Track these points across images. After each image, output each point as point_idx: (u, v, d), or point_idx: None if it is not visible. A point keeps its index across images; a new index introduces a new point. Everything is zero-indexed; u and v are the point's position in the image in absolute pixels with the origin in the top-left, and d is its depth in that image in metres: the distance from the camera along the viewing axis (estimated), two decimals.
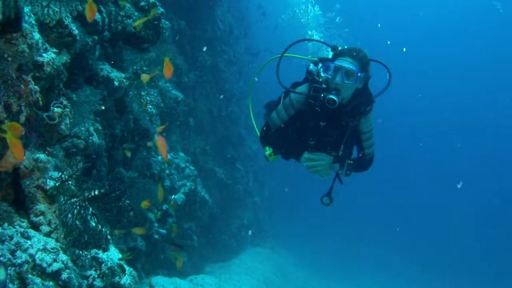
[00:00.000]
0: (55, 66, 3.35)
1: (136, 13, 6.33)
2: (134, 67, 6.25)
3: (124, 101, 6.42)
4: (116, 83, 5.60)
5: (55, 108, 3.40)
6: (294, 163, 5.28)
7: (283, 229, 26.37)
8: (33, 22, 3.04)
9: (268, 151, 5.17)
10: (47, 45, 3.37)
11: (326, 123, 4.72)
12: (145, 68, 5.96)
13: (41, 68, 3.27)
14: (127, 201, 3.36)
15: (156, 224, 9.25)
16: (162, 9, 6.80)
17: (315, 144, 4.85)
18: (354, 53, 4.43)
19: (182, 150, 13.11)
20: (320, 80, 4.63)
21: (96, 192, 3.12)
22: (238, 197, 18.59)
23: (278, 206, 27.47)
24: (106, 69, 5.56)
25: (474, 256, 32.75)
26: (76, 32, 3.61)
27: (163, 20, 6.76)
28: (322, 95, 4.46)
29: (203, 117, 16.29)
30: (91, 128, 5.10)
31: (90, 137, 5.03)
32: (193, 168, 12.18)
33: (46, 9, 3.20)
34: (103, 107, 5.28)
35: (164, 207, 9.75)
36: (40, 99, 3.24)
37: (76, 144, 4.80)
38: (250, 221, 20.06)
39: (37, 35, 3.05)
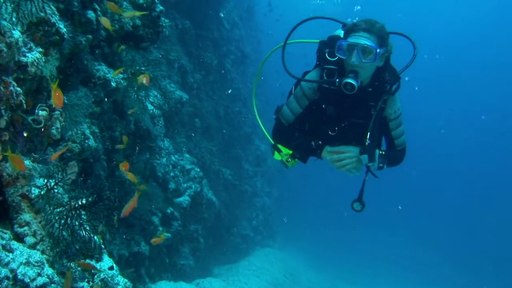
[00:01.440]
0: (40, 67, 3.15)
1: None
2: (135, 68, 6.01)
3: (124, 103, 6.22)
4: (113, 84, 5.39)
5: (40, 111, 3.19)
6: (315, 160, 4.84)
7: (292, 229, 26.17)
8: (14, 20, 2.85)
9: (284, 157, 4.47)
10: (31, 44, 3.17)
11: (345, 111, 4.12)
12: (143, 68, 5.75)
13: (25, 69, 3.06)
14: (116, 213, 3.14)
15: (160, 228, 9.06)
16: (161, 7, 6.58)
17: (336, 136, 4.25)
18: (370, 26, 3.81)
19: (187, 151, 12.92)
20: (333, 61, 4.02)
21: (84, 201, 2.91)
22: (246, 197, 18.41)
23: (287, 205, 27.22)
24: (103, 70, 5.35)
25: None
26: (64, 30, 3.41)
27: (162, 18, 6.55)
28: (338, 79, 3.88)
29: (209, 117, 16.09)
30: (87, 131, 4.91)
31: (86, 141, 4.84)
32: (198, 169, 11.98)
33: (28, 5, 2.99)
34: (96, 109, 5.09)
35: (169, 210, 9.55)
36: (24, 101, 3.04)
37: (71, 148, 4.61)
38: (259, 221, 19.91)
39: (17, 33, 2.85)
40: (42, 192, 3.01)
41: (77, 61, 4.79)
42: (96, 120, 5.26)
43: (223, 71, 17.28)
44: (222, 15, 17.13)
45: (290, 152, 4.50)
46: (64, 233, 2.90)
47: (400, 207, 34.99)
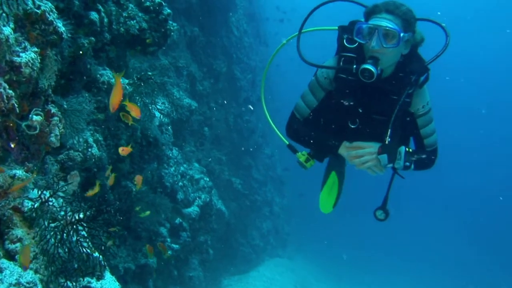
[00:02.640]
0: (35, 68, 2.89)
1: (140, 14, 5.88)
2: (141, 73, 5.75)
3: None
4: None
5: (35, 116, 2.92)
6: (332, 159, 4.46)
7: (302, 238, 25.90)
8: (5, 15, 2.59)
9: (302, 157, 4.02)
10: (26, 43, 2.91)
11: (365, 105, 3.68)
12: (149, 73, 5.49)
13: (19, 70, 2.80)
14: (117, 227, 2.86)
15: (169, 239, 8.78)
16: (168, 10, 6.31)
17: (354, 133, 3.79)
18: (394, 8, 3.39)
19: (197, 160, 12.66)
20: (353, 48, 3.59)
21: (81, 215, 2.63)
22: (256, 207, 18.18)
23: (297, 214, 26.92)
24: (107, 75, 5.09)
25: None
26: (62, 29, 3.15)
27: (170, 22, 6.28)
28: (355, 66, 3.45)
29: (219, 126, 15.87)
30: (90, 139, 4.65)
31: (89, 149, 4.57)
32: (208, 179, 11.71)
33: (21, 0, 2.74)
34: (100, 116, 4.83)
35: (177, 220, 9.27)
36: (17, 106, 2.78)
37: (72, 157, 4.35)
38: (269, 231, 19.68)
39: (8, 30, 2.59)
40: (35, 205, 2.74)
41: (80, 65, 4.54)
42: (100, 127, 5.00)
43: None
44: (232, 20, 16.94)
45: (308, 150, 4.11)
46: (61, 250, 2.62)
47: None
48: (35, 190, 2.89)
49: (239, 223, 15.82)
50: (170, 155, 9.51)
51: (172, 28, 6.22)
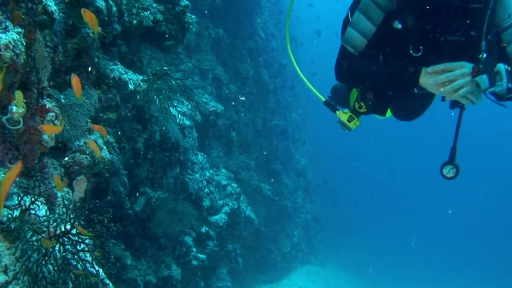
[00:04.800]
0: (18, 51, 2.43)
1: (154, 5, 5.43)
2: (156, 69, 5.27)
3: (148, 109, 5.51)
4: (131, 87, 4.67)
5: (14, 107, 2.46)
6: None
7: (334, 246, 25.35)
8: None
9: (343, 115, 3.28)
10: (8, 23, 2.46)
11: (439, 24, 2.84)
12: (165, 68, 5.02)
13: None
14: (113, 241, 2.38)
15: (194, 249, 8.31)
16: (186, 1, 5.83)
17: (430, 61, 2.84)
18: None
19: (224, 166, 12.21)
20: None
21: (68, 226, 2.15)
22: (286, 213, 17.72)
23: (328, 224, 26.37)
24: (118, 70, 4.63)
25: None
26: (53, 8, 2.70)
27: (188, 14, 5.81)
28: None
29: (247, 131, 15.41)
30: (100, 141, 4.19)
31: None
32: (235, 185, 11.22)
33: None
34: (111, 115, 4.38)
35: (204, 229, 8.79)
36: None
37: (79, 160, 3.89)
38: (300, 238, 19.21)
39: None
40: (14, 214, 2.27)
41: (86, 59, 4.09)
42: (111, 128, 4.56)
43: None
44: (258, 21, 16.48)
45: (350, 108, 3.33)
46: (46, 268, 2.14)
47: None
48: (14, 197, 2.42)
49: (270, 230, 15.36)
50: (195, 160, 9.05)
51: (190, 21, 5.75)
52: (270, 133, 17.42)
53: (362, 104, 3.33)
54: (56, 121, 3.06)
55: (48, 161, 3.56)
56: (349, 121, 3.32)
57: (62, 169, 3.87)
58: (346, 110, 3.38)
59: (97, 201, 4.22)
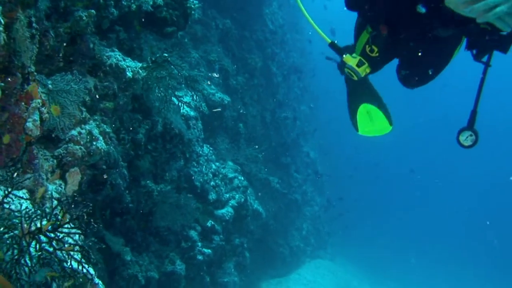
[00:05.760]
0: None
1: None
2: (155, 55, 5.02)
3: (148, 99, 5.28)
4: (129, 74, 4.44)
5: None
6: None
7: (343, 239, 25.16)
8: None
9: (351, 60, 2.96)
10: None
11: None
12: (165, 55, 4.78)
13: None
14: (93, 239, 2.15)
15: (199, 243, 8.10)
16: None
17: None
18: None
19: (231, 159, 11.98)
20: None
21: (44, 222, 1.94)
22: (295, 207, 17.52)
23: (337, 213, 26.19)
24: (115, 57, 4.40)
25: None
26: None
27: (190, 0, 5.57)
28: None
29: (255, 123, 15.17)
30: (96, 131, 3.98)
31: (94, 142, 3.91)
32: (242, 178, 10.99)
33: None
34: (108, 104, 4.15)
35: (209, 223, 8.58)
36: None
37: (72, 151, 3.69)
38: (309, 231, 19.01)
39: None
40: None
41: (81, 44, 3.88)
42: (109, 117, 4.34)
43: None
44: (266, 12, 16.18)
45: (361, 48, 3.01)
46: (17, 268, 1.93)
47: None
48: None
49: (278, 223, 15.17)
50: (200, 152, 8.83)
51: (193, 6, 5.50)
52: (278, 126, 17.18)
53: (373, 47, 3.05)
54: (43, 108, 2.85)
55: (38, 152, 3.36)
56: (358, 66, 3.02)
57: (55, 161, 3.67)
58: (354, 54, 3.09)
59: (91, 194, 4.02)
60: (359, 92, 3.54)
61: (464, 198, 42.75)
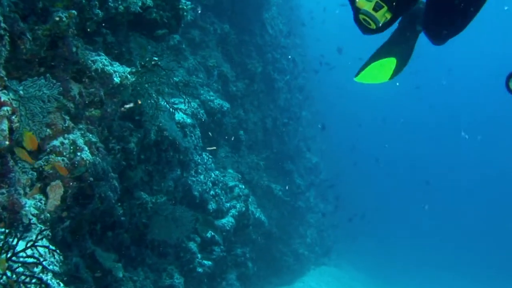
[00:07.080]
0: None
1: None
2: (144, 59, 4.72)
3: (139, 106, 4.99)
4: (116, 80, 4.14)
5: None
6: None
7: (348, 244, 24.86)
8: None
9: (367, 4, 2.52)
10: None
11: None
12: (155, 58, 4.50)
13: None
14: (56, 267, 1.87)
15: (199, 255, 7.81)
16: None
17: None
18: None
19: (232, 167, 11.70)
20: None
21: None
22: (298, 214, 17.30)
23: (341, 220, 25.89)
24: (101, 61, 4.10)
25: None
26: None
27: (183, 0, 5.28)
28: None
29: (256, 129, 14.92)
30: (80, 141, 3.70)
31: (78, 153, 3.63)
32: (243, 186, 10.71)
33: None
34: (95, 112, 3.87)
35: (209, 234, 8.29)
36: None
37: (54, 163, 3.41)
38: (313, 239, 18.76)
39: None
40: None
41: (63, 48, 3.60)
42: (95, 126, 4.05)
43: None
44: (266, 17, 15.93)
45: None
46: None
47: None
48: None
49: (281, 231, 14.91)
50: (199, 160, 8.54)
51: (185, 7, 5.21)
52: (280, 132, 16.91)
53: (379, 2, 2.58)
54: (13, 117, 2.57)
55: (15, 164, 3.08)
56: (375, 10, 2.55)
57: (35, 173, 3.39)
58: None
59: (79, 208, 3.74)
60: (396, 45, 3.19)
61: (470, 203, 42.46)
